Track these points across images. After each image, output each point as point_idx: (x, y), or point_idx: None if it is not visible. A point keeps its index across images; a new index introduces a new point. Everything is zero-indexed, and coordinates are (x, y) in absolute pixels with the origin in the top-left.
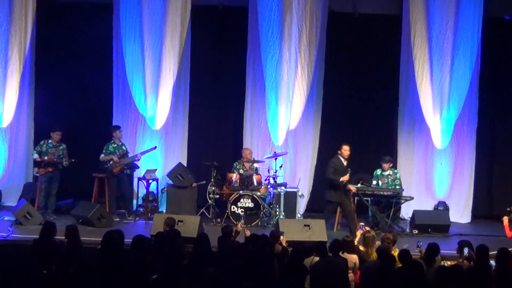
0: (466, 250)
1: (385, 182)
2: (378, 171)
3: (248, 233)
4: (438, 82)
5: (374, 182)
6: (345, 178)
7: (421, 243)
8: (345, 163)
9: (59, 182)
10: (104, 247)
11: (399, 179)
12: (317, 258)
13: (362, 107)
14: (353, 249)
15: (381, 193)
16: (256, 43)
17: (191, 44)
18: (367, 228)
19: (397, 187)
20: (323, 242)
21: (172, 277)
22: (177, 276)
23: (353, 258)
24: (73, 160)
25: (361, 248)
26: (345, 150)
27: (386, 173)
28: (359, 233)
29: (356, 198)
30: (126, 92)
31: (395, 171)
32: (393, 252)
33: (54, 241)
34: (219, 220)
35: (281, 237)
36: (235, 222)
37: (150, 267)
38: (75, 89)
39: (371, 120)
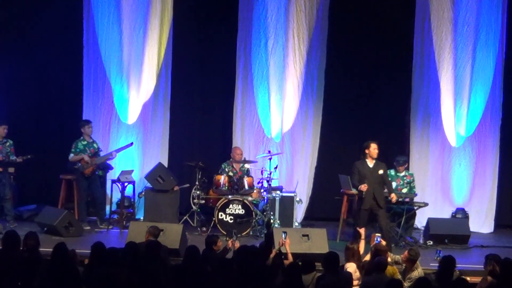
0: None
1: (401, 184)
2: (392, 172)
3: (237, 245)
4: (457, 71)
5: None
6: (363, 187)
7: (441, 252)
8: (371, 165)
9: (19, 185)
10: (55, 261)
11: (414, 181)
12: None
13: (369, 99)
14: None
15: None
16: (248, 26)
17: (173, 26)
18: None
19: (413, 190)
20: (335, 253)
21: None
22: None
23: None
24: (29, 157)
25: None
26: (374, 149)
27: (402, 174)
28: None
29: None
30: (99, 82)
31: (411, 172)
32: (415, 272)
33: (19, 254)
34: (204, 229)
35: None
36: (223, 233)
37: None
38: (38, 77)
39: (380, 114)
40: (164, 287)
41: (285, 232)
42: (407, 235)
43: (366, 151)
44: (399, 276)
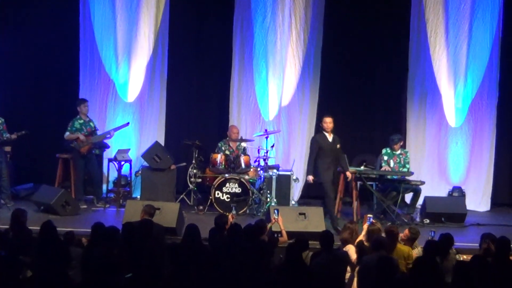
0: None
1: (397, 161)
2: (388, 150)
3: (231, 218)
4: (454, 50)
5: (385, 158)
6: (310, 180)
7: (434, 233)
8: (330, 138)
9: (16, 164)
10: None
11: (409, 157)
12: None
13: (366, 78)
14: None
15: (391, 177)
16: (245, 4)
17: (170, 4)
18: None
19: (407, 166)
20: (329, 232)
21: (150, 277)
22: (156, 275)
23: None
24: (23, 132)
25: (366, 244)
26: (325, 122)
27: (397, 152)
28: (365, 226)
29: (358, 183)
30: (95, 60)
31: (405, 150)
32: (415, 250)
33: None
34: (201, 207)
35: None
36: (221, 211)
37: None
38: (35, 56)
39: (377, 93)
40: (158, 266)
41: (277, 210)
42: (410, 212)
43: (320, 125)
44: (414, 255)
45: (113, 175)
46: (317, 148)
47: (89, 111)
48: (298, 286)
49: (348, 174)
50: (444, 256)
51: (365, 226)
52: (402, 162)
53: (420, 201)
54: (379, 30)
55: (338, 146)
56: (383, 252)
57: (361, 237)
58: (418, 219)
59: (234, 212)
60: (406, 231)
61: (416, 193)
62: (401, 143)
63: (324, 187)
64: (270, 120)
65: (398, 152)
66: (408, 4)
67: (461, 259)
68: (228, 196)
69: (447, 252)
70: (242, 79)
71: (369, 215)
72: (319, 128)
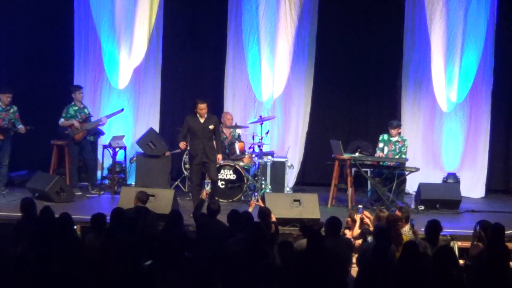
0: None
1: (392, 149)
2: (386, 136)
3: (204, 195)
4: (448, 36)
5: (381, 145)
6: (182, 146)
7: (414, 222)
8: (202, 120)
9: (11, 151)
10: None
11: (407, 147)
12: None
13: (360, 65)
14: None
15: (383, 163)
16: None
17: None
18: (366, 213)
19: (403, 156)
20: (337, 218)
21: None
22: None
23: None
24: (28, 128)
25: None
26: (200, 109)
27: (394, 139)
28: (358, 218)
29: (353, 169)
30: (90, 47)
31: (404, 138)
32: (405, 229)
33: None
34: None
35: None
36: (215, 198)
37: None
38: (29, 43)
39: (371, 79)
40: (149, 253)
41: (255, 193)
42: (398, 200)
43: (195, 110)
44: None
45: (108, 161)
46: (187, 128)
47: (83, 98)
48: (319, 271)
49: (218, 157)
50: (433, 243)
51: (357, 217)
52: (397, 150)
53: (415, 188)
54: (374, 17)
55: (211, 127)
56: (382, 240)
57: (357, 229)
58: (412, 206)
59: (207, 188)
60: (397, 212)
61: (399, 178)
62: (399, 130)
63: (190, 171)
64: (264, 107)
65: (395, 139)
66: None
67: (456, 246)
68: (223, 182)
69: (437, 238)
70: (237, 66)
71: (359, 206)
72: (313, 114)
